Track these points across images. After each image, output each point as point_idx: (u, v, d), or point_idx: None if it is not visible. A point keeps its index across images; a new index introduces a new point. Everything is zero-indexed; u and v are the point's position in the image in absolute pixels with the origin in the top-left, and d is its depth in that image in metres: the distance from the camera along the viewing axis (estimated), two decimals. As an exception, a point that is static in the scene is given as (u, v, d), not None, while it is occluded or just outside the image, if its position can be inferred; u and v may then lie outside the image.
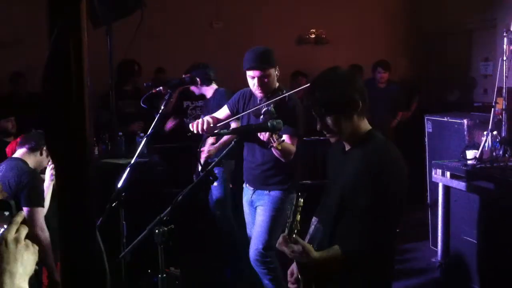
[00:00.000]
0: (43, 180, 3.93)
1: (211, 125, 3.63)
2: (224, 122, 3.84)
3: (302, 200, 2.26)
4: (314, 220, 2.53)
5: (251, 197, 3.91)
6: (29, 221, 3.58)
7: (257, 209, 3.85)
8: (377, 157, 2.27)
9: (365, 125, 2.39)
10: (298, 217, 2.26)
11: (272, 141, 3.16)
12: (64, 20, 0.89)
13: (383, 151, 2.32)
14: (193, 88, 5.17)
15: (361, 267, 2.26)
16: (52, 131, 0.92)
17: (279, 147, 3.22)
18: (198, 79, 4.88)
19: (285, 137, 3.35)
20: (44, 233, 3.64)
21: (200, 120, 3.60)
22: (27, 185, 3.62)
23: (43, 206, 3.71)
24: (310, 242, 2.42)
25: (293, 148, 3.58)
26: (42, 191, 3.77)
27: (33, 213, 3.61)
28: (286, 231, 2.25)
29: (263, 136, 3.24)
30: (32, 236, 3.58)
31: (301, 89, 3.70)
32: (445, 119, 5.35)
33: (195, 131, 3.59)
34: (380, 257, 2.28)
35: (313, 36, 8.39)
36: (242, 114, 3.73)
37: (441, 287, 4.75)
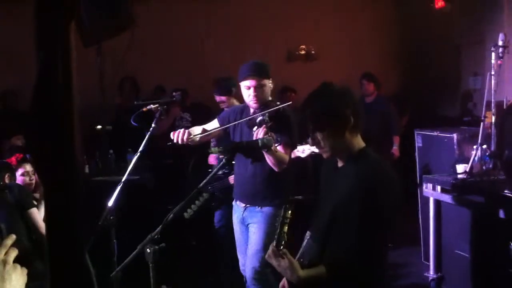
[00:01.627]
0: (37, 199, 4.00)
1: (191, 135, 3.63)
2: (210, 132, 3.82)
3: (290, 212, 2.27)
4: (307, 234, 2.52)
5: (243, 215, 3.88)
6: (32, 224, 3.75)
7: (249, 227, 3.83)
8: (370, 175, 2.27)
9: (359, 142, 2.38)
10: (286, 228, 2.26)
11: (265, 130, 3.21)
12: (52, 39, 0.90)
13: (376, 169, 2.31)
14: (222, 99, 5.21)
15: (352, 282, 2.25)
16: (40, 150, 0.92)
17: (275, 152, 3.22)
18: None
19: (279, 147, 3.36)
20: None
21: (181, 130, 3.61)
22: (14, 194, 3.74)
23: (34, 206, 3.80)
24: (302, 256, 2.42)
25: (286, 157, 3.59)
26: (29, 193, 3.85)
27: (30, 215, 3.73)
28: (274, 243, 2.26)
29: (257, 132, 3.26)
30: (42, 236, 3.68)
31: (291, 106, 3.74)
32: (435, 133, 5.37)
33: (175, 141, 3.60)
34: (372, 272, 2.28)
35: (303, 52, 8.44)
36: (238, 122, 3.74)
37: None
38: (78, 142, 0.90)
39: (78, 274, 0.93)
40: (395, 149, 6.78)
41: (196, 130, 3.88)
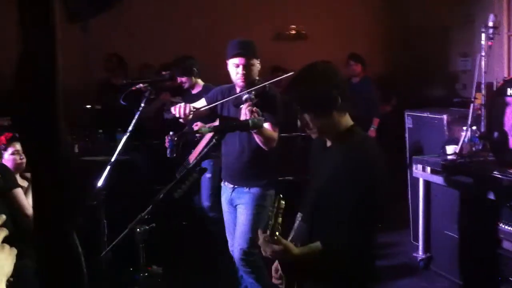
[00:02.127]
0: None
1: (192, 111, 3.60)
2: (204, 108, 3.79)
3: (283, 203, 2.21)
4: (298, 215, 2.52)
5: (231, 195, 3.89)
6: (16, 205, 3.70)
7: (238, 208, 3.84)
8: (357, 153, 2.26)
9: (346, 121, 2.37)
10: (280, 219, 2.20)
11: (253, 112, 3.21)
12: (35, 16, 0.87)
13: (363, 147, 2.31)
14: (182, 80, 5.16)
15: (341, 262, 2.25)
16: (25, 130, 0.90)
17: (263, 131, 3.24)
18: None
19: (266, 125, 3.36)
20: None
21: (182, 105, 3.57)
22: None
23: (18, 186, 3.76)
24: (294, 237, 2.41)
25: (275, 135, 3.59)
26: (12, 173, 3.81)
27: (14, 195, 3.69)
28: (268, 233, 2.20)
29: (245, 113, 3.25)
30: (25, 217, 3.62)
31: (282, 78, 3.72)
32: (425, 114, 5.38)
33: (177, 115, 3.56)
34: (360, 252, 2.28)
35: (292, 32, 8.39)
36: (223, 100, 3.72)
37: (423, 282, 4.78)
38: (64, 121, 0.89)
39: (66, 255, 0.92)
40: (372, 130, 6.78)
41: (190, 105, 3.88)
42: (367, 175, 2.21)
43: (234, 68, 3.67)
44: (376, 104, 6.99)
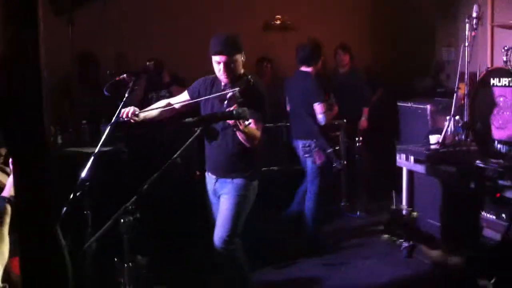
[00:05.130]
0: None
1: (137, 112, 3.66)
2: (184, 102, 3.82)
3: None
4: None
5: (214, 186, 3.88)
6: None
7: (221, 198, 3.84)
8: None
9: None
10: None
11: (239, 124, 3.19)
12: (19, 9, 0.87)
13: None
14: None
15: None
16: (9, 123, 0.90)
17: (246, 130, 3.26)
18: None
19: (251, 121, 3.35)
20: None
21: (126, 108, 3.62)
22: None
23: None
24: None
25: (258, 133, 3.59)
26: None
27: None
28: None
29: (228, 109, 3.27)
30: None
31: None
32: (409, 104, 5.42)
33: (125, 118, 3.60)
34: None
35: (279, 22, 8.37)
36: (207, 97, 3.71)
37: (406, 269, 4.82)
38: (48, 113, 0.88)
39: (48, 248, 0.92)
40: (363, 120, 6.81)
41: (162, 103, 3.89)
42: None
43: (217, 65, 3.66)
44: (366, 94, 7.01)
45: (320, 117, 5.12)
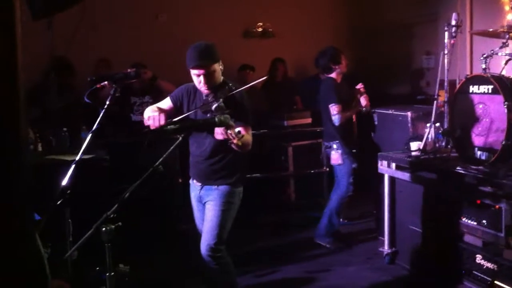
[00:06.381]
0: None
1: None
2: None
3: None
4: None
5: (199, 193, 3.87)
6: None
7: (206, 205, 3.82)
8: None
9: None
10: None
11: (232, 138, 3.18)
12: None
13: None
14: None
15: None
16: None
17: (240, 143, 3.25)
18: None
19: (240, 129, 3.35)
20: None
21: (156, 116, 3.49)
22: None
23: None
24: None
25: (250, 138, 3.60)
26: None
27: None
28: None
29: (221, 134, 3.25)
30: None
31: (251, 85, 3.74)
32: (390, 111, 5.45)
33: (152, 127, 3.49)
34: None
35: (259, 29, 8.40)
36: (190, 112, 3.68)
37: (388, 276, 4.84)
38: (24, 121, 0.87)
39: (27, 257, 0.90)
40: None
41: (151, 109, 3.84)
42: None
43: (196, 77, 3.65)
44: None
45: (334, 118, 5.35)
